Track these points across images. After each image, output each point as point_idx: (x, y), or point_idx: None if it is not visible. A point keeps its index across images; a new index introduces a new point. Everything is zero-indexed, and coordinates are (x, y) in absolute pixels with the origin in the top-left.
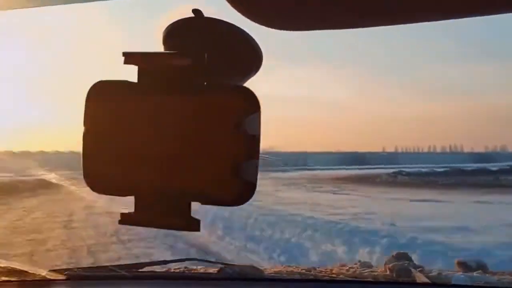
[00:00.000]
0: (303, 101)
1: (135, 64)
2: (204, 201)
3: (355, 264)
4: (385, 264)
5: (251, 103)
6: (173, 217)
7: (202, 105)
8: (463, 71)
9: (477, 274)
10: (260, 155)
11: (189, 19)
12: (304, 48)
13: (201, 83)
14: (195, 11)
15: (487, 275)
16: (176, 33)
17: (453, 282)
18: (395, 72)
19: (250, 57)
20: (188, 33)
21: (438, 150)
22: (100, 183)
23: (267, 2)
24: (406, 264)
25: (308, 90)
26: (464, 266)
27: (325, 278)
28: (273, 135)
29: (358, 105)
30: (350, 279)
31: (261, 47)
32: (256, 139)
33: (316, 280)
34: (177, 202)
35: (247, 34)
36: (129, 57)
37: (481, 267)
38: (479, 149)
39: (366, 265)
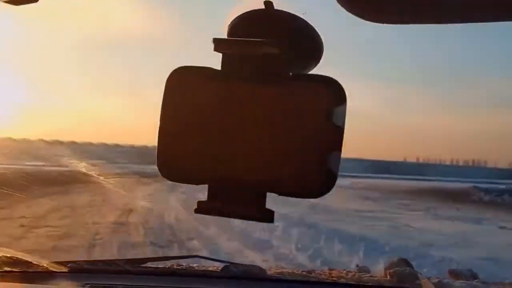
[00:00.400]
0: None
1: (226, 51)
2: (281, 192)
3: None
4: (385, 269)
5: (339, 94)
6: (247, 207)
7: (288, 95)
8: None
9: (477, 283)
10: None
11: (257, 11)
12: (336, 58)
13: (287, 73)
14: (267, 3)
15: (489, 285)
16: (244, 24)
17: None
18: (422, 84)
19: (313, 49)
20: (257, 24)
21: (461, 163)
22: (174, 171)
23: None
24: (408, 270)
25: None
26: (457, 275)
27: (327, 281)
28: None
29: (380, 114)
30: (353, 283)
31: None
32: (341, 130)
33: (319, 283)
34: (252, 192)
35: (311, 26)
36: (220, 44)
37: (473, 276)
38: (503, 165)
39: (364, 269)
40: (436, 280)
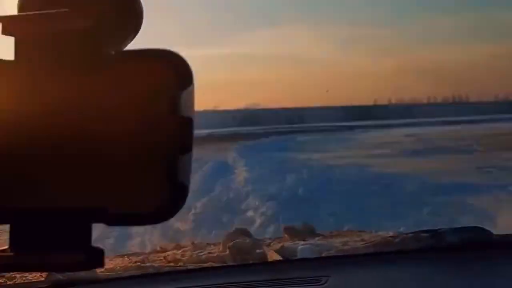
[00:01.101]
0: (283, 59)
1: (18, 33)
2: (112, 221)
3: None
4: (223, 243)
5: (183, 74)
6: (66, 249)
7: (113, 82)
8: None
9: (320, 242)
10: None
11: None
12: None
13: (108, 52)
14: None
15: (329, 241)
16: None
17: (299, 256)
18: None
19: (130, 17)
20: None
21: (439, 101)
22: None
23: None
24: (248, 241)
25: (287, 48)
26: (292, 231)
27: (165, 270)
28: (257, 93)
29: (338, 58)
30: (194, 267)
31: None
32: (189, 124)
33: (157, 274)
34: (72, 227)
35: None
36: (9, 23)
37: (309, 229)
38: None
39: (201, 246)
40: (279, 246)
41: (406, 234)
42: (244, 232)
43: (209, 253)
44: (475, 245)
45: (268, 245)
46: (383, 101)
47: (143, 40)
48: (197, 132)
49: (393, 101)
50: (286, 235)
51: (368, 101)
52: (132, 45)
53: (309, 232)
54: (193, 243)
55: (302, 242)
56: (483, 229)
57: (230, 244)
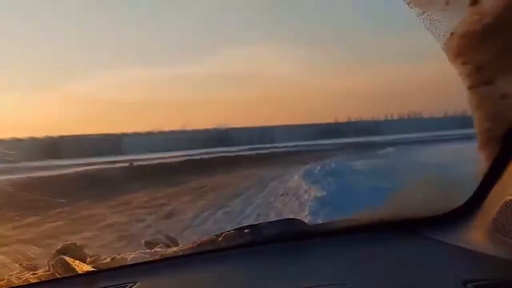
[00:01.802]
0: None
1: None
2: None
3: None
4: (48, 262)
5: None
6: None
7: None
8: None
9: (157, 249)
10: None
11: None
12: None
13: None
14: None
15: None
16: None
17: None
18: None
19: None
20: None
21: (395, 117)
22: None
23: None
24: (73, 257)
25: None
26: (152, 244)
27: None
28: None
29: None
30: None
31: None
32: None
33: None
34: None
35: None
36: None
37: (171, 241)
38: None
39: (29, 267)
40: (109, 259)
41: (228, 231)
42: (73, 248)
43: (33, 274)
44: (291, 235)
45: (97, 260)
46: (342, 119)
47: None
48: None
49: (353, 118)
50: (146, 248)
51: (329, 119)
52: None
53: (172, 243)
54: (20, 265)
55: (136, 252)
56: (298, 220)
57: (53, 262)
